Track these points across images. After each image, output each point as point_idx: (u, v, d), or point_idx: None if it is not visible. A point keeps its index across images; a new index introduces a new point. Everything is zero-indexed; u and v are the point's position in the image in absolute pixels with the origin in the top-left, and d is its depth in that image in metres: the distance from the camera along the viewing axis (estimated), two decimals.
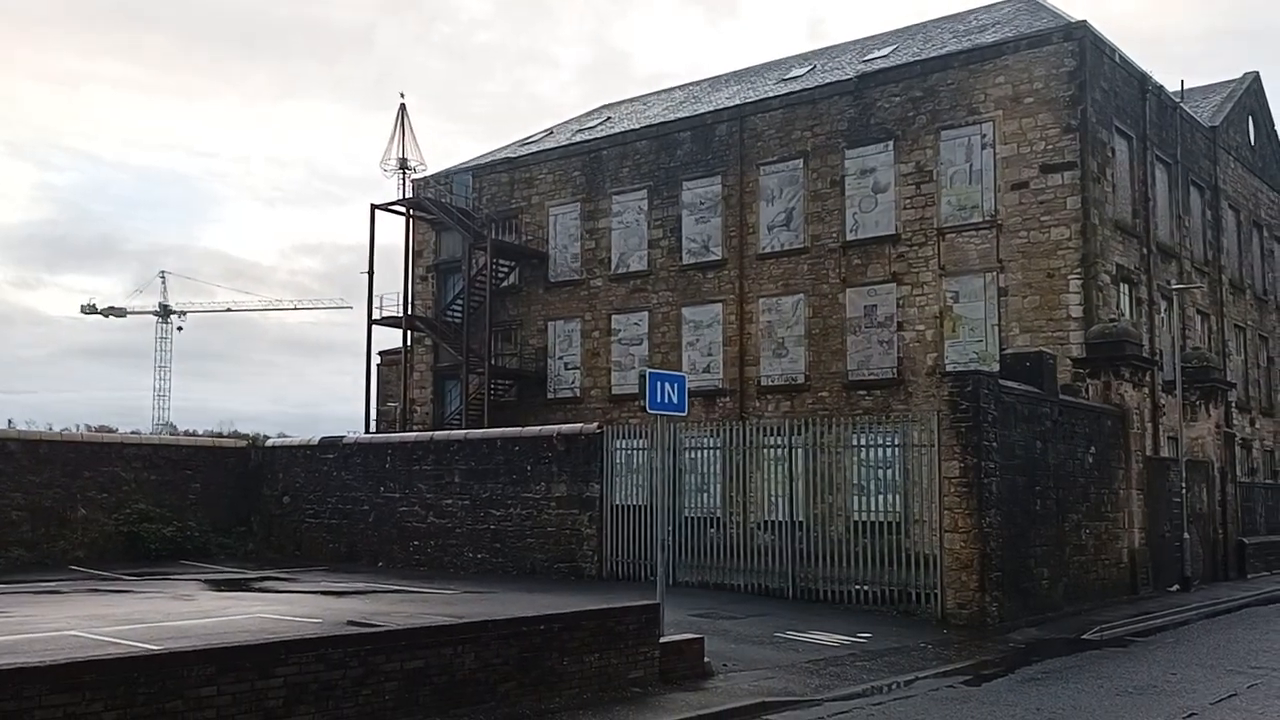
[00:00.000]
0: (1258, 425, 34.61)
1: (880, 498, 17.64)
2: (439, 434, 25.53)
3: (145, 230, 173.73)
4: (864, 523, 17.47)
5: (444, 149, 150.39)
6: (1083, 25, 26.49)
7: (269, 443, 28.20)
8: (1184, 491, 23.74)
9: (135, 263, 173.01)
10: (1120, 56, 27.93)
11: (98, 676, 7.05)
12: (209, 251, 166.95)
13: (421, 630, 9.36)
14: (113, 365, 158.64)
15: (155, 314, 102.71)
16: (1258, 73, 37.65)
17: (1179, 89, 33.50)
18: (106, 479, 24.49)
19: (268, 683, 7.83)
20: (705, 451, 19.95)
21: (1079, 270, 25.53)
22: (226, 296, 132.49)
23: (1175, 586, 22.64)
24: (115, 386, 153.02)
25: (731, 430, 19.93)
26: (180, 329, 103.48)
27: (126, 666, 7.28)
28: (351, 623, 13.06)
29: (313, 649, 8.24)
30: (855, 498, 17.89)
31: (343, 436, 26.51)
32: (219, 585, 19.33)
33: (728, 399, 30.57)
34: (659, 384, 11.92)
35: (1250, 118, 37.14)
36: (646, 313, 32.80)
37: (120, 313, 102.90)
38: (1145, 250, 28.43)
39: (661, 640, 10.98)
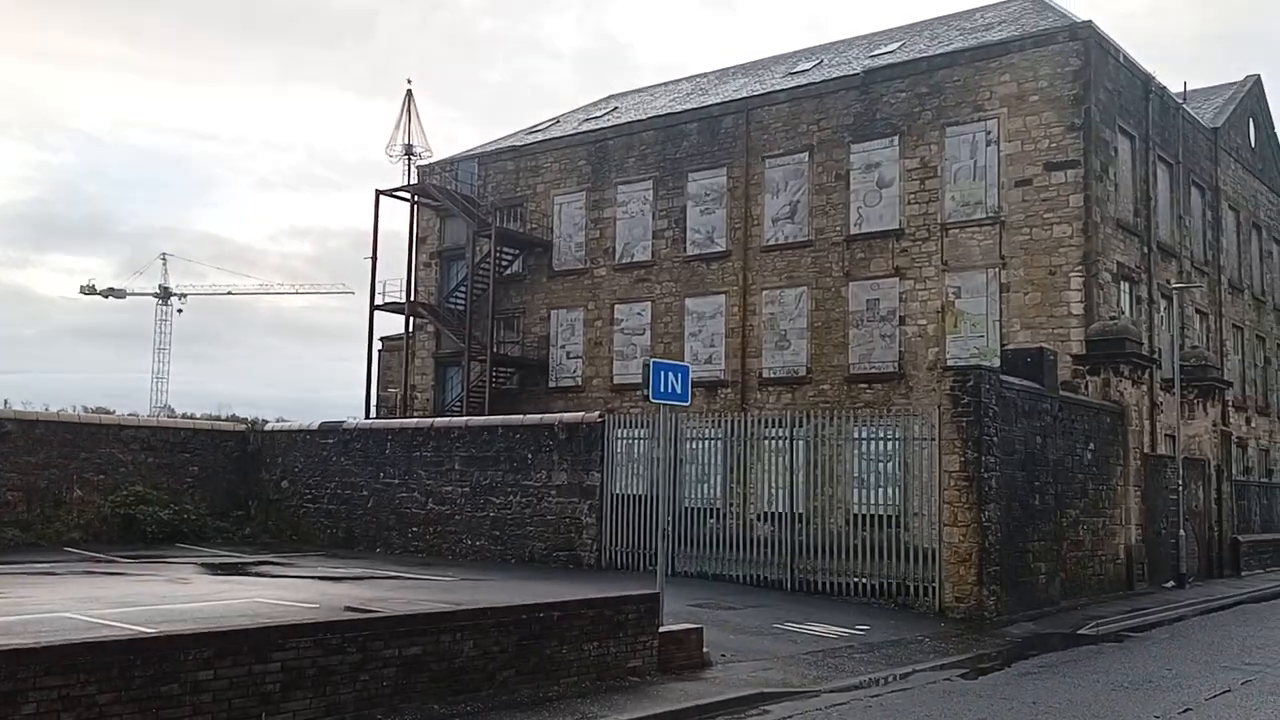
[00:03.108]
0: (1254, 424, 34.67)
1: (880, 491, 17.64)
2: (440, 421, 25.53)
3: (138, 212, 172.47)
4: (863, 515, 17.47)
5: (445, 136, 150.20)
6: (1088, 25, 26.41)
7: (268, 427, 28.18)
8: (1180, 489, 23.78)
9: (125, 244, 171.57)
10: (1125, 57, 27.87)
11: (93, 659, 7.03)
12: (202, 234, 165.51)
13: (420, 616, 9.37)
14: (106, 347, 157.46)
15: (155, 296, 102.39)
16: (1259, 76, 37.69)
17: (1182, 90, 33.50)
18: (103, 460, 24.47)
19: (265, 667, 7.83)
20: (706, 442, 19.94)
21: (1080, 268, 25.51)
22: (219, 279, 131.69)
23: (1170, 583, 22.70)
24: (110, 368, 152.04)
25: (733, 421, 19.92)
26: (180, 311, 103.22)
27: (122, 649, 7.27)
28: (349, 608, 13.05)
29: (310, 634, 8.23)
30: (855, 490, 17.89)
31: (343, 422, 26.49)
32: (215, 569, 19.33)
33: (729, 390, 30.55)
34: (663, 374, 11.89)
35: (1251, 120, 37.14)
36: (650, 303, 32.76)
37: (120, 294, 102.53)
38: (1146, 249, 28.40)
39: (660, 630, 10.99)
